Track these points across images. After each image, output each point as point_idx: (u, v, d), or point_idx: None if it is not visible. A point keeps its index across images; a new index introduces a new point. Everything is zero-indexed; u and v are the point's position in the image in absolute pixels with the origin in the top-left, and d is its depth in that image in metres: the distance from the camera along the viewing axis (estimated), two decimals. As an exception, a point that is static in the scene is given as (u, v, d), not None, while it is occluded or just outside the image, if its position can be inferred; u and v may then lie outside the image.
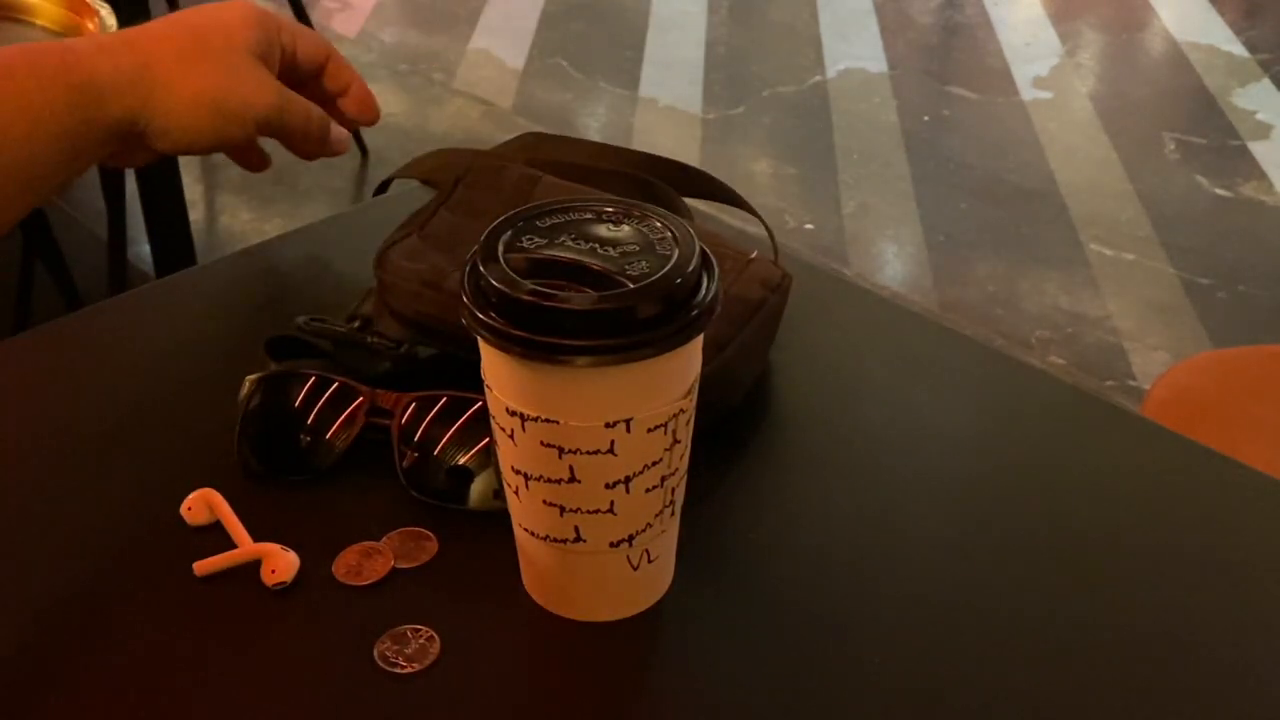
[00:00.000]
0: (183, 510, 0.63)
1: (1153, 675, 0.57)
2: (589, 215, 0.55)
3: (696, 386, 0.55)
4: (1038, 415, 0.73)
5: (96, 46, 0.71)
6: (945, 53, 3.56)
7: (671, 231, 0.53)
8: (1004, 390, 0.75)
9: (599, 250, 0.52)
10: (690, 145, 2.95)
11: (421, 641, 0.57)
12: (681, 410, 0.53)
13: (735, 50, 3.45)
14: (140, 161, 0.77)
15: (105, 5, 1.52)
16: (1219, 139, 2.99)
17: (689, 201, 0.81)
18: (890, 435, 0.70)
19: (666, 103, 3.15)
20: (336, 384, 0.66)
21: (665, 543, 0.58)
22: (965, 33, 3.60)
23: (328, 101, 0.82)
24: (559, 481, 0.53)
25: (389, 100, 3.04)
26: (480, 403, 0.62)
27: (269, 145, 0.80)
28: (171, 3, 2.75)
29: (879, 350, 0.77)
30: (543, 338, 0.50)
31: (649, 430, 0.52)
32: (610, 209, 0.55)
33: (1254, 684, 0.57)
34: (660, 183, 0.80)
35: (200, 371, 0.74)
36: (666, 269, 0.51)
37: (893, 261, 2.58)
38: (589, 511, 0.54)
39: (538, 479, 0.54)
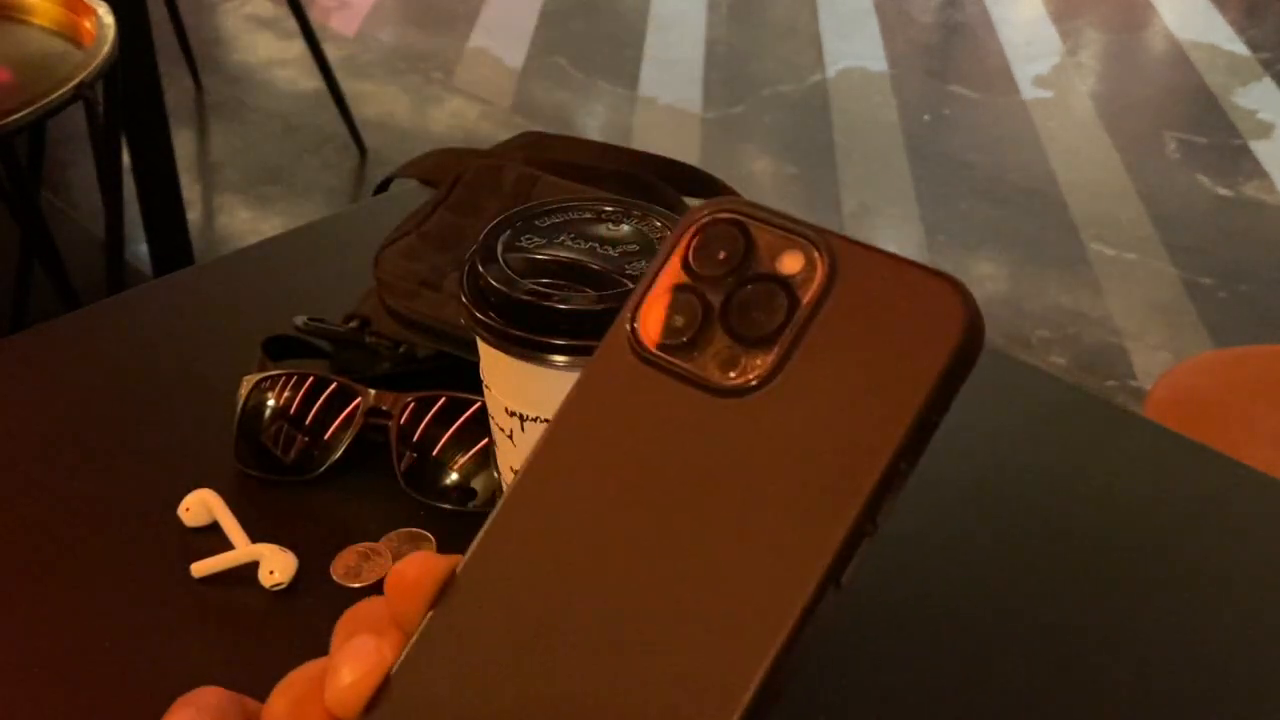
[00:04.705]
0: (180, 511, 0.63)
1: (1152, 674, 0.57)
2: (588, 215, 0.54)
3: (696, 387, 0.54)
4: (1038, 415, 0.73)
5: None
6: (945, 52, 3.56)
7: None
8: (1004, 390, 0.75)
9: (598, 250, 0.52)
10: (690, 145, 2.94)
11: (420, 643, 0.57)
12: (681, 411, 0.53)
13: (735, 49, 3.45)
14: None
15: (104, 5, 1.52)
16: (1220, 138, 2.99)
17: (689, 201, 0.81)
18: (891, 435, 0.70)
19: (666, 102, 3.14)
20: (335, 384, 0.66)
21: (665, 544, 0.58)
22: (965, 32, 3.60)
23: None
24: (558, 482, 0.53)
25: (387, 100, 3.03)
26: (479, 403, 0.62)
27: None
28: (170, 4, 2.75)
29: (879, 350, 0.77)
30: (541, 337, 0.49)
31: (648, 431, 0.52)
32: (610, 209, 0.55)
33: (1254, 684, 0.56)
34: (660, 183, 0.80)
35: (198, 371, 0.74)
36: (666, 269, 0.51)
37: (893, 261, 2.58)
38: (588, 513, 0.54)
39: (537, 480, 0.53)
